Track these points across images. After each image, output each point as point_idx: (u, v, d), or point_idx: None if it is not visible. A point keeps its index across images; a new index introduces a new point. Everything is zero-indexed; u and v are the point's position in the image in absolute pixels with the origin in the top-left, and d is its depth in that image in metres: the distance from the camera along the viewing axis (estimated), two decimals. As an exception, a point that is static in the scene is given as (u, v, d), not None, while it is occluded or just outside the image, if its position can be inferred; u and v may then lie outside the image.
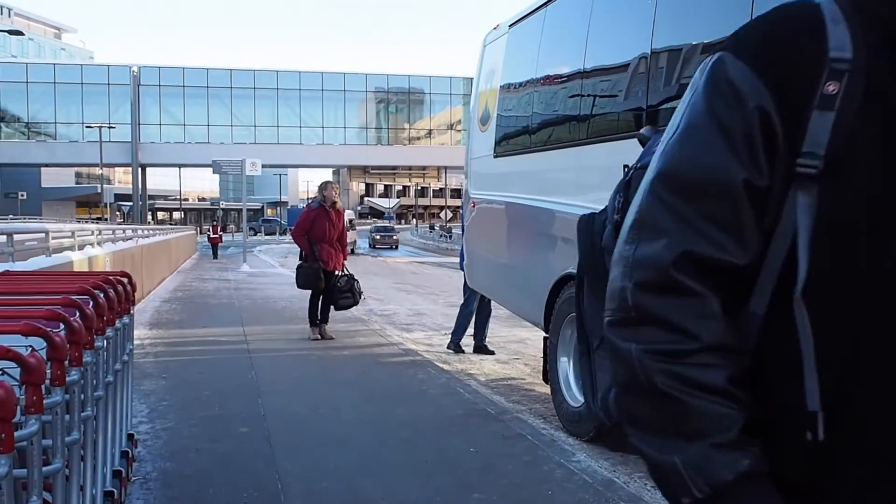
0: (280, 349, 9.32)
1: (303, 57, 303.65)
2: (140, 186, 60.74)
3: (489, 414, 6.18)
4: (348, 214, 33.78)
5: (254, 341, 9.86)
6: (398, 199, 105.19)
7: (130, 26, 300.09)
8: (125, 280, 4.40)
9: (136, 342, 9.61)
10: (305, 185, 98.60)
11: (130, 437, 4.64)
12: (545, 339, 6.39)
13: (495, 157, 7.50)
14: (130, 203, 63.76)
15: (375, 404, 6.53)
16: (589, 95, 5.69)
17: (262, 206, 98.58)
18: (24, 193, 61.72)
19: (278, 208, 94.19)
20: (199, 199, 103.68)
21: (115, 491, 3.67)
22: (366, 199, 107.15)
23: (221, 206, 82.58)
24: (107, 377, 3.67)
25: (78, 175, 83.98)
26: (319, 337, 9.83)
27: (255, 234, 74.45)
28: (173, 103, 59.03)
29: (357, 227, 47.85)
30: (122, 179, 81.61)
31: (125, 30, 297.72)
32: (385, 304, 15.67)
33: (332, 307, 10.00)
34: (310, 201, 10.43)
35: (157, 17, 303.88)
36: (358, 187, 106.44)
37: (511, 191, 7.13)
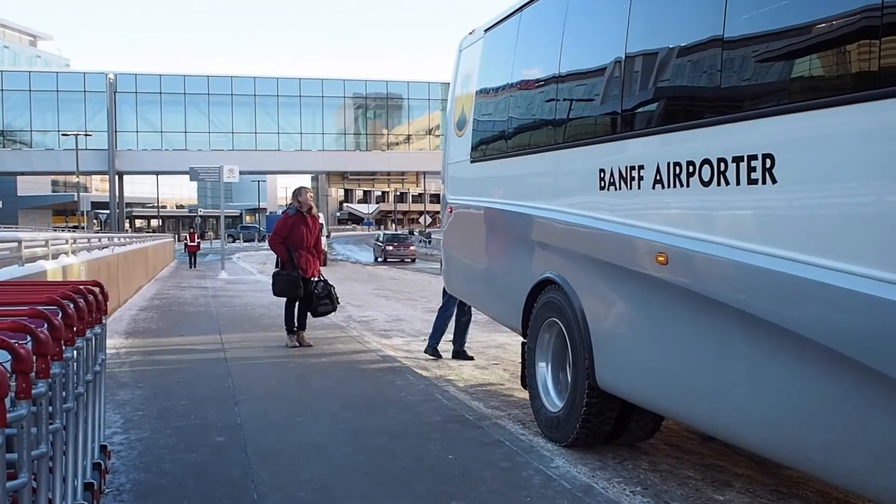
0: (257, 357, 9.25)
1: (280, 63, 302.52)
2: (117, 194, 60.16)
3: (468, 420, 6.15)
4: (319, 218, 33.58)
5: (231, 349, 9.79)
6: (378, 205, 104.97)
7: (107, 33, 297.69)
8: (96, 290, 4.34)
9: (111, 351, 9.56)
10: (284, 191, 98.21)
11: (103, 448, 4.58)
12: (523, 344, 6.38)
13: (472, 162, 7.48)
14: (108, 211, 63.17)
15: (353, 412, 6.48)
16: (564, 100, 5.69)
17: (241, 213, 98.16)
18: (0, 202, 61.00)
19: (257, 215, 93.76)
20: (178, 207, 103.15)
21: (87, 504, 3.61)
22: (345, 204, 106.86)
23: (200, 213, 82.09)
24: (77, 388, 3.62)
25: (54, 183, 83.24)
26: (297, 344, 9.76)
27: (234, 241, 74.27)
28: (150, 110, 58.48)
29: (332, 234, 47.16)
30: (99, 187, 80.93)
31: (101, 37, 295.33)
32: (364, 311, 15.61)
33: (308, 314, 9.94)
34: (286, 208, 10.36)
35: (134, 25, 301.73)
36: (337, 193, 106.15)
37: (488, 196, 7.12)
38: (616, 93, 4.93)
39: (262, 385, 7.61)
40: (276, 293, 9.94)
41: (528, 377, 6.27)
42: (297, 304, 9.84)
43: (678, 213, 4.30)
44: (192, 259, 32.92)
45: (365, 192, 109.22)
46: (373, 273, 31.92)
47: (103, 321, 4.37)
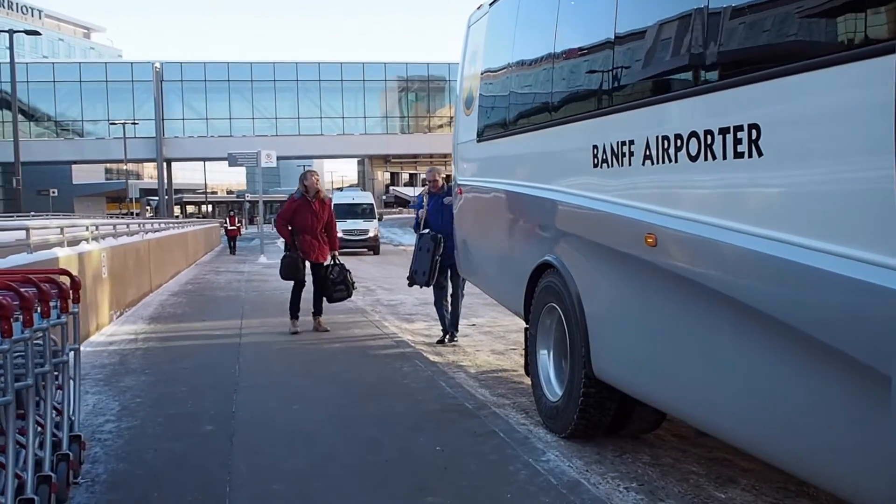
0: (271, 342, 9.12)
1: (322, 48, 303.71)
2: (166, 181, 61.10)
3: (466, 409, 5.94)
4: (358, 199, 32.85)
5: (248, 334, 9.71)
6: (423, 188, 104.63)
7: (155, 24, 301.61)
8: (64, 279, 4.23)
9: (129, 337, 9.59)
10: (330, 175, 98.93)
11: (77, 438, 4.47)
12: (526, 329, 6.15)
13: (478, 141, 7.25)
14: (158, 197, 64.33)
15: (351, 399, 6.32)
16: (554, 75, 5.41)
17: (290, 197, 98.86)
18: (56, 190, 62.36)
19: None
20: (228, 192, 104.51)
21: (38, 499, 3.49)
22: (391, 188, 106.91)
23: (247, 199, 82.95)
24: (26, 380, 3.50)
25: (108, 171, 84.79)
26: (297, 331, 9.60)
27: (282, 225, 74.87)
28: (195, 98, 59.21)
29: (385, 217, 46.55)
30: (152, 174, 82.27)
31: (150, 27, 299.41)
32: (394, 294, 15.41)
33: (324, 299, 9.83)
34: (294, 192, 10.20)
35: (180, 14, 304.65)
36: (383, 177, 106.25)
37: (492, 176, 6.88)
38: (602, 67, 4.66)
39: (268, 371, 7.50)
40: (282, 275, 9.88)
41: (529, 364, 6.04)
42: (302, 288, 9.76)
43: (667, 191, 4.02)
44: (232, 244, 32.61)
45: (410, 174, 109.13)
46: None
47: (71, 311, 4.25)
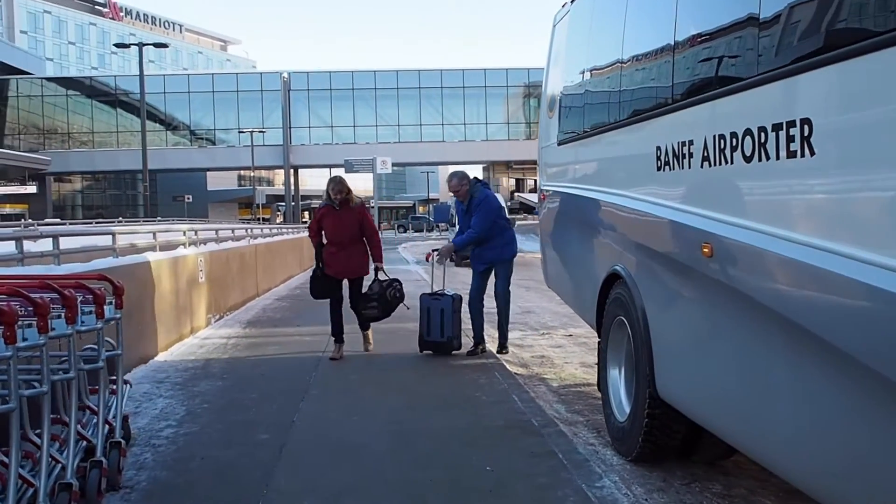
0: (356, 350, 8.96)
1: (443, 54, 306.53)
2: (292, 187, 63.04)
3: (531, 426, 5.60)
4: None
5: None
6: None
7: (287, 34, 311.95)
8: (99, 285, 4.21)
9: (221, 341, 9.72)
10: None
11: (117, 445, 4.44)
12: (599, 343, 5.78)
13: (558, 145, 6.92)
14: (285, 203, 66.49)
15: (415, 412, 6.10)
16: (622, 77, 5.04)
17: (414, 204, 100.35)
18: (190, 196, 65.47)
19: (428, 205, 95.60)
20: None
21: (52, 507, 3.45)
22: (516, 194, 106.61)
23: (370, 205, 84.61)
24: (42, 387, 3.47)
25: (240, 178, 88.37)
26: (339, 357, 8.40)
27: (405, 231, 76.41)
28: (321, 106, 60.85)
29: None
30: (282, 180, 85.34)
31: (283, 38, 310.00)
32: (497, 303, 15.10)
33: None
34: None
35: (311, 23, 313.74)
36: (508, 183, 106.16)
37: (567, 181, 6.55)
38: (654, 69, 4.27)
39: (342, 379, 7.39)
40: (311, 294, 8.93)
41: (601, 380, 5.67)
42: (339, 305, 8.62)
43: (727, 196, 3.60)
44: (348, 249, 32.72)
45: (534, 181, 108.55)
46: (529, 261, 31.34)
47: (106, 316, 4.21)
